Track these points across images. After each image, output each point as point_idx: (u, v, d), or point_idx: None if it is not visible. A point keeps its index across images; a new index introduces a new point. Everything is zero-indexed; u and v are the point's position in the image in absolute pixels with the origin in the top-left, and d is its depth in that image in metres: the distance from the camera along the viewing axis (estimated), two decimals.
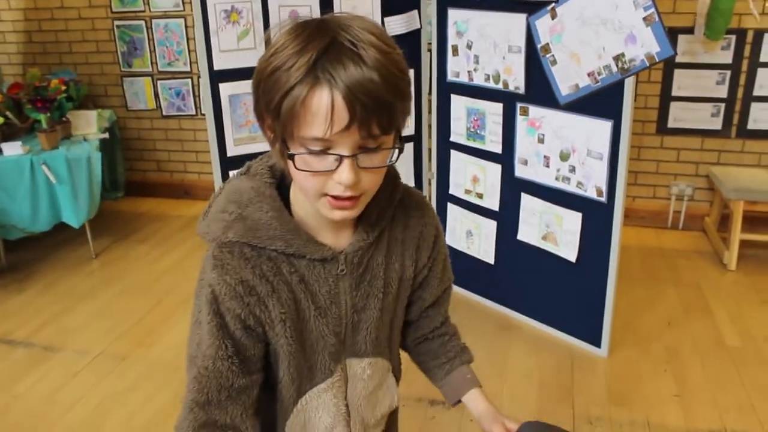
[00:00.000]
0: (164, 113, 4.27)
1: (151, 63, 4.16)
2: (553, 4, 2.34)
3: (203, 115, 4.20)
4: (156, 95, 4.24)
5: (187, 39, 4.04)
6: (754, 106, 3.50)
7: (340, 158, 0.81)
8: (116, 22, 4.12)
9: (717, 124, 3.56)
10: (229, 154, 2.62)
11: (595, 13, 2.22)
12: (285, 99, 0.79)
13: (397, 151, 0.86)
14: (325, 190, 0.84)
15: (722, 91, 3.51)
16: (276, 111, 0.81)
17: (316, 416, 1.02)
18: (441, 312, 1.16)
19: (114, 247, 3.74)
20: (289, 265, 0.93)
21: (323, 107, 0.77)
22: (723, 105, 3.52)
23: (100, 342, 2.80)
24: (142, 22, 4.07)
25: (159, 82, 4.19)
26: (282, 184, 0.95)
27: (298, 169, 0.83)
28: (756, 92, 3.48)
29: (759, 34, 3.39)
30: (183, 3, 3.97)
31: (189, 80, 4.14)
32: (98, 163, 3.44)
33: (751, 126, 3.53)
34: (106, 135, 3.65)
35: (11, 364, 2.68)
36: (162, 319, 2.95)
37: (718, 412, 2.29)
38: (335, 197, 0.84)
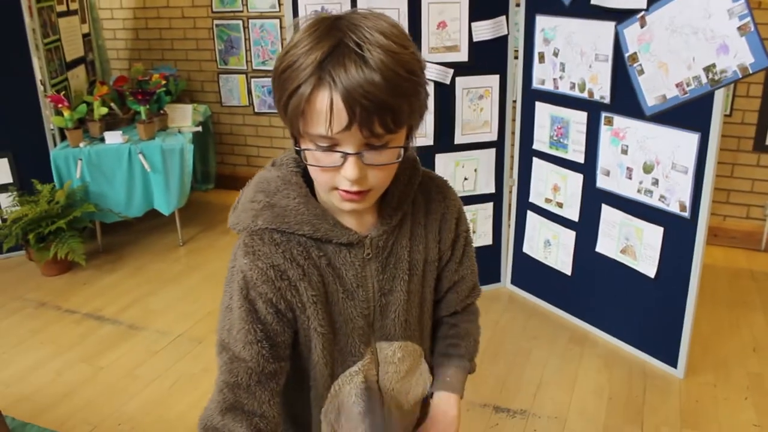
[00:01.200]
0: (256, 110, 4.43)
1: (246, 61, 4.32)
2: (643, 12, 2.28)
3: None
4: (249, 92, 4.40)
5: (282, 39, 4.18)
6: None
7: (345, 155, 0.84)
8: (216, 22, 4.31)
9: None
10: None
11: (686, 21, 2.15)
12: (292, 98, 0.83)
13: (403, 149, 0.89)
14: (335, 183, 0.88)
15: None
16: (285, 108, 0.85)
17: (350, 400, 1.04)
18: (456, 299, 1.15)
19: (200, 236, 3.91)
20: (318, 250, 0.96)
21: (324, 108, 0.80)
22: None
23: (181, 325, 2.94)
24: (240, 22, 4.24)
25: (252, 80, 4.35)
26: (307, 173, 0.97)
27: (309, 164, 0.88)
28: None
29: None
30: (279, 4, 4.11)
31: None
32: (190, 155, 3.61)
33: None
34: (199, 128, 3.82)
35: (99, 338, 2.86)
36: None
37: None
38: (345, 191, 0.88)
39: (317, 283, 0.96)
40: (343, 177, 0.86)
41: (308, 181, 0.97)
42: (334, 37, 0.81)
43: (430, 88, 1.04)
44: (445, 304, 1.16)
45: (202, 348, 2.76)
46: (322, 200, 0.97)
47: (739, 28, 2.02)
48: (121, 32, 4.63)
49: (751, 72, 2.04)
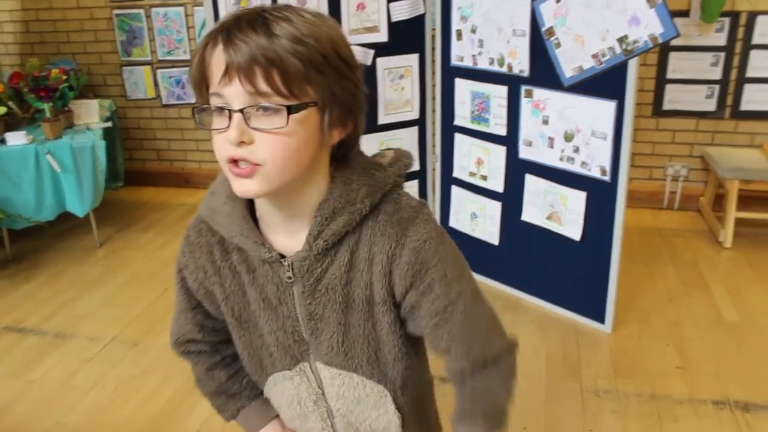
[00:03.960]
0: (164, 102, 4.29)
1: (151, 52, 4.17)
2: None
3: None
4: (156, 84, 4.25)
5: (188, 27, 4.05)
6: (747, 88, 3.57)
7: (230, 114, 0.79)
8: (115, 11, 4.13)
9: (711, 105, 3.64)
10: None
11: None
12: (192, 62, 0.83)
13: (289, 113, 0.79)
14: (224, 155, 0.81)
15: (716, 73, 3.58)
16: (191, 79, 0.84)
17: (286, 401, 1.06)
18: (459, 361, 0.97)
19: (118, 236, 3.77)
20: (240, 255, 0.95)
21: (216, 59, 0.78)
22: (717, 87, 3.60)
23: (111, 329, 2.84)
24: (142, 11, 4.08)
25: (159, 71, 4.20)
26: None
27: (198, 127, 0.86)
28: (749, 74, 3.55)
29: (752, 17, 3.45)
30: None
31: (189, 69, 4.15)
32: (102, 152, 3.47)
33: (744, 107, 3.61)
34: (110, 124, 3.67)
35: (24, 351, 2.71)
36: (170, 307, 2.91)
37: (720, 383, 2.37)
38: (234, 163, 0.81)
39: (231, 285, 0.98)
40: (227, 141, 0.79)
41: None
42: (242, 12, 0.81)
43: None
44: (447, 366, 1.00)
45: (138, 350, 2.68)
46: (259, 209, 0.93)
47: (648, 1, 2.16)
48: (9, 25, 4.35)
49: (660, 42, 2.18)
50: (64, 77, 3.63)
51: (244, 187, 0.83)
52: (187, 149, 4.41)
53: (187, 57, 4.12)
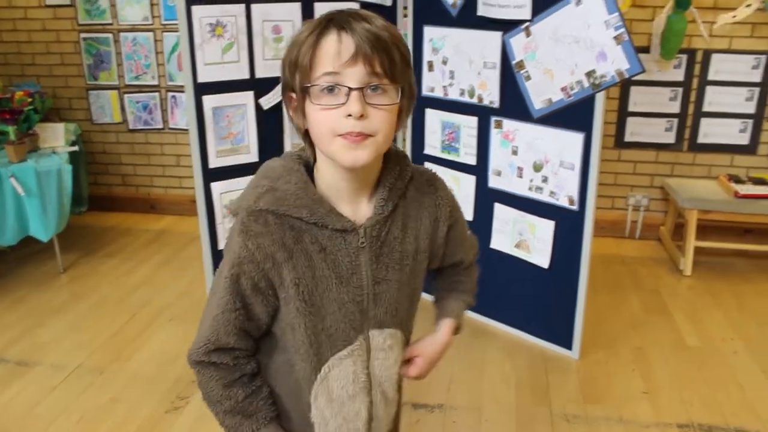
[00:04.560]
0: (130, 127, 4.25)
1: (118, 76, 4.14)
2: (528, 23, 2.47)
3: (171, 129, 4.21)
4: (122, 109, 4.21)
5: (156, 53, 4.05)
6: (704, 121, 3.72)
7: (349, 91, 0.93)
8: (82, 35, 4.10)
9: (670, 138, 3.77)
10: (211, 166, 2.65)
11: (568, 31, 2.35)
12: (301, 49, 0.96)
13: (403, 94, 0.99)
14: (338, 128, 0.95)
15: (675, 107, 3.72)
16: (295, 64, 0.97)
17: (339, 385, 1.10)
18: (462, 260, 1.27)
19: (82, 261, 3.70)
20: (311, 236, 1.03)
21: (333, 44, 0.94)
22: (675, 120, 3.73)
23: (77, 356, 2.78)
24: (110, 35, 4.06)
25: (126, 95, 4.18)
26: (308, 166, 1.07)
27: (314, 104, 0.96)
28: (705, 108, 3.70)
29: (707, 54, 3.61)
30: (152, 16, 3.98)
31: (157, 94, 4.14)
32: (68, 176, 3.42)
33: (701, 140, 3.75)
34: (76, 148, 3.62)
35: None
36: (138, 332, 2.94)
37: (684, 407, 2.43)
38: (348, 133, 0.95)
39: (303, 267, 1.03)
40: (347, 113, 0.94)
41: (309, 173, 1.06)
42: (336, 12, 0.98)
43: None
44: (447, 268, 1.28)
45: (105, 377, 2.62)
46: (320, 189, 1.04)
47: (615, 38, 2.25)
48: None
49: (627, 77, 2.27)
50: (29, 100, 3.58)
51: (357, 156, 0.97)
52: (154, 175, 4.36)
53: (155, 82, 4.11)
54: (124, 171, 4.40)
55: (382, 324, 1.11)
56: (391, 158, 1.08)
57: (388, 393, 1.17)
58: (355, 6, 2.72)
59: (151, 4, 3.98)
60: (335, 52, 0.93)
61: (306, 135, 1.05)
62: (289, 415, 1.16)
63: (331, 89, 0.95)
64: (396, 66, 0.96)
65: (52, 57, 4.20)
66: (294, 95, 1.01)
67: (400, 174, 1.09)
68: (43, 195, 3.31)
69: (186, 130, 4.16)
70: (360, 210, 1.06)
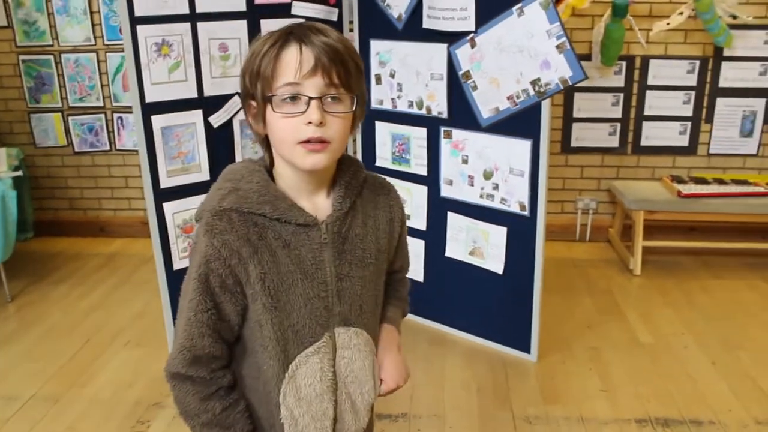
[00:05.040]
0: (76, 149, 4.16)
1: (61, 98, 4.06)
2: (473, 34, 2.52)
3: (119, 150, 4.14)
4: (67, 131, 4.13)
5: (100, 73, 3.98)
6: (645, 125, 3.85)
7: (309, 100, 1.01)
8: (22, 57, 4.00)
9: (614, 142, 3.89)
10: (162, 186, 2.61)
11: (512, 41, 2.41)
12: (263, 60, 1.02)
13: (356, 103, 1.06)
14: (299, 135, 1.02)
15: (617, 112, 3.84)
16: (257, 74, 1.03)
17: (306, 383, 1.12)
18: (402, 267, 1.36)
19: (30, 289, 3.60)
20: (275, 232, 1.07)
21: (294, 56, 1.01)
22: (618, 124, 3.85)
23: (30, 386, 2.69)
24: (51, 57, 3.98)
25: (70, 117, 4.09)
26: (267, 170, 1.13)
27: (276, 112, 1.02)
28: (646, 112, 3.83)
29: (645, 60, 3.74)
30: (94, 37, 3.92)
31: (102, 115, 4.07)
32: (13, 202, 3.33)
33: (644, 143, 3.88)
34: (20, 173, 3.53)
35: None
36: (93, 358, 2.87)
37: (641, 402, 2.50)
38: (308, 140, 1.02)
39: (268, 262, 1.06)
40: (307, 120, 1.01)
41: (269, 176, 1.12)
42: (295, 25, 1.05)
43: None
44: (392, 275, 1.35)
45: (60, 407, 2.55)
46: (280, 187, 1.10)
47: (557, 47, 2.31)
48: None
49: (570, 84, 2.34)
50: None
51: (315, 161, 1.04)
52: (102, 197, 4.28)
53: (100, 104, 4.04)
54: (71, 194, 4.30)
55: (348, 322, 1.14)
56: (344, 161, 1.15)
57: (354, 396, 1.18)
58: (302, 21, 2.73)
59: (93, 25, 3.91)
60: (296, 64, 1.00)
61: (264, 140, 1.11)
62: (259, 423, 1.17)
63: (292, 98, 1.02)
64: (351, 76, 1.04)
65: None
66: (254, 103, 1.07)
67: (354, 174, 1.16)
68: None
69: (134, 151, 4.10)
70: (320, 207, 1.12)
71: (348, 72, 1.03)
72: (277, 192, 1.08)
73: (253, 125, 1.10)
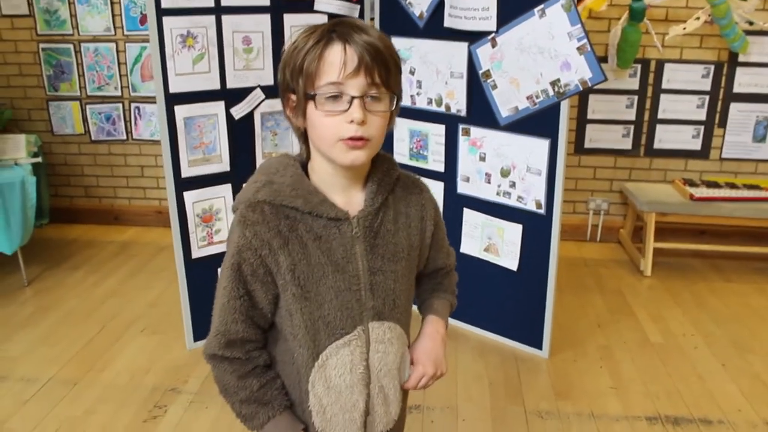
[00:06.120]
0: (93, 138, 4.21)
1: (80, 87, 4.10)
2: (494, 34, 2.55)
3: (135, 140, 4.18)
4: (84, 120, 4.17)
5: (119, 63, 4.02)
6: (659, 128, 3.87)
7: (351, 99, 1.02)
8: (42, 45, 4.05)
9: (627, 144, 3.91)
10: (183, 176, 2.65)
11: (533, 42, 2.44)
12: (306, 57, 1.03)
13: (395, 102, 1.08)
14: (340, 132, 1.04)
15: (631, 114, 3.86)
16: (299, 70, 1.04)
17: (337, 373, 1.14)
18: (444, 264, 1.37)
19: (47, 274, 3.64)
20: (306, 225, 1.10)
21: (338, 56, 1.02)
22: (632, 127, 3.88)
23: (48, 369, 2.74)
24: (71, 46, 4.02)
25: (88, 106, 4.13)
26: (302, 164, 1.16)
27: (319, 109, 1.04)
28: (660, 115, 3.85)
29: (661, 64, 3.77)
30: (114, 27, 3.96)
31: (120, 105, 4.11)
32: (33, 188, 3.37)
33: (656, 145, 3.90)
34: (39, 159, 3.57)
35: None
36: (110, 343, 2.91)
37: (651, 400, 2.53)
38: (349, 138, 1.03)
39: (299, 254, 1.09)
40: (350, 119, 1.02)
41: (303, 170, 1.14)
42: (335, 21, 1.06)
43: None
44: (430, 273, 1.36)
45: (78, 389, 2.59)
46: (314, 182, 1.13)
47: (577, 49, 2.34)
48: None
49: (590, 85, 2.37)
50: None
51: (355, 157, 1.06)
52: (117, 186, 4.32)
53: (118, 93, 4.08)
54: (87, 182, 4.34)
55: (381, 316, 1.16)
56: (378, 158, 1.17)
57: (387, 389, 1.20)
58: (323, 18, 2.77)
59: (113, 15, 3.95)
60: (340, 64, 1.01)
61: (303, 134, 1.13)
62: (293, 405, 1.20)
63: (335, 97, 1.03)
64: (392, 76, 1.06)
65: (9, 68, 4.13)
66: (293, 96, 1.08)
67: (387, 171, 1.18)
68: (7, 207, 3.26)
69: (150, 140, 4.14)
70: (352, 202, 1.14)
71: (389, 71, 1.05)
72: (309, 186, 1.10)
73: (291, 118, 1.12)
